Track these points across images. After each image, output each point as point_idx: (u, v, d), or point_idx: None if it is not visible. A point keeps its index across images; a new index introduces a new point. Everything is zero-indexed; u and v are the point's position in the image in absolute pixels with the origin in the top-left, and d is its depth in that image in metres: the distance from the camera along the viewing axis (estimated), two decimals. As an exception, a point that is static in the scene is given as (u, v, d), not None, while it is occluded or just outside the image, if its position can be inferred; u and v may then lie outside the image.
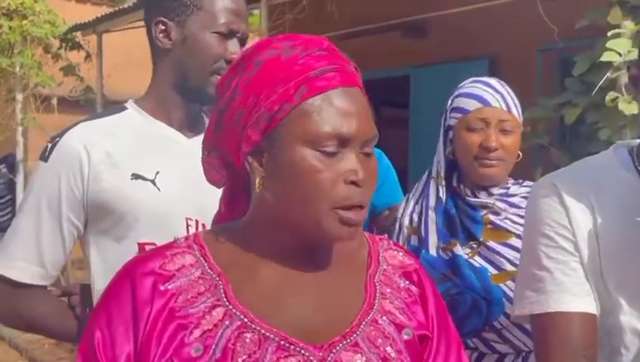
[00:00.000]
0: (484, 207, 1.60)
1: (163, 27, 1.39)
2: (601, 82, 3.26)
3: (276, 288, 0.90)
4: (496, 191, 1.61)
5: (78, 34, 7.23)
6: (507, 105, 1.57)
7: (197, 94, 1.39)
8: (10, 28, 6.64)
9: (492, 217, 1.59)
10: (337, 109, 0.85)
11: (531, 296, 1.11)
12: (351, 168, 0.86)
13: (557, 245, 1.10)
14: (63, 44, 7.08)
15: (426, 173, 1.69)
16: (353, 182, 0.86)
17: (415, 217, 1.65)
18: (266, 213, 0.91)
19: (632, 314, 1.06)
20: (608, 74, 3.21)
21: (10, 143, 7.39)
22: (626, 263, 1.06)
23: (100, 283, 1.35)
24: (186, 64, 1.39)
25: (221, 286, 0.89)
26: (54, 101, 6.93)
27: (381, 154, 2.28)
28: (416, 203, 1.67)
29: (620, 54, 3.11)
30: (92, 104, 7.29)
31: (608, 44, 3.16)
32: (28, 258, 1.34)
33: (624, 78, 3.07)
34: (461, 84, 1.65)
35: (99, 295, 1.32)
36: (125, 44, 6.29)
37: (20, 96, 7.08)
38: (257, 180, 0.89)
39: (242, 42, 1.41)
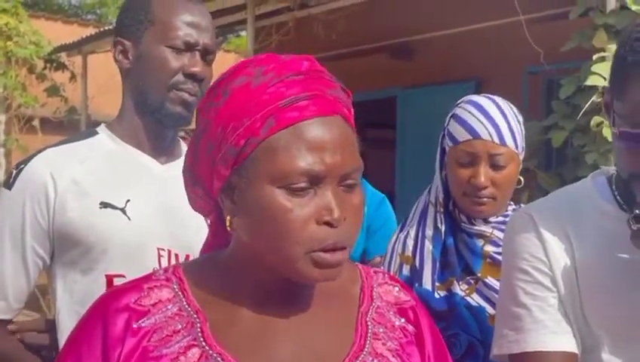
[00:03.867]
0: (482, 236, 1.48)
1: (121, 47, 1.35)
2: (586, 106, 3.25)
3: (257, 327, 0.84)
4: (493, 218, 1.49)
5: (63, 54, 7.18)
6: (500, 136, 1.42)
7: (157, 112, 1.33)
8: (-6, 49, 6.60)
9: (491, 250, 1.47)
10: (308, 143, 0.78)
11: (509, 335, 1.06)
12: (324, 206, 0.78)
13: (534, 280, 1.06)
14: (48, 65, 7.02)
15: (424, 196, 1.57)
16: (327, 223, 0.78)
17: (409, 245, 1.52)
18: (242, 250, 0.85)
19: (615, 352, 1.02)
20: (594, 97, 3.20)
21: (-8, 165, 7.30)
22: (607, 300, 1.02)
23: (65, 318, 1.29)
24: (144, 81, 1.33)
25: (198, 325, 0.82)
26: (36, 122, 6.86)
27: (384, 199, 2.18)
28: (412, 229, 1.54)
29: (605, 78, 3.10)
30: (76, 125, 7.22)
31: (593, 68, 3.17)
32: None
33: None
34: (460, 102, 1.50)
35: (64, 329, 1.28)
36: (110, 65, 6.22)
37: (2, 117, 7.01)
38: (228, 218, 0.83)
39: (205, 56, 1.35)
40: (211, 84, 0.86)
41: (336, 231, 0.78)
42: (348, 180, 0.80)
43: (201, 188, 0.88)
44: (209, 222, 0.94)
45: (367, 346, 0.85)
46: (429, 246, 1.50)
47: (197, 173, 0.87)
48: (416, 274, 1.49)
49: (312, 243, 0.78)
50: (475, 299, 1.46)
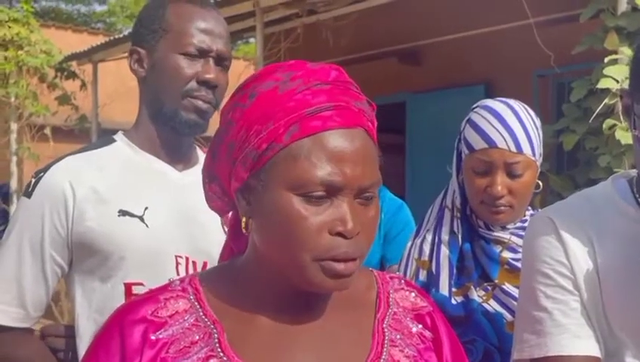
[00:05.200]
0: (499, 242, 1.47)
1: (136, 56, 1.36)
2: (598, 109, 3.24)
3: (274, 336, 0.84)
4: (511, 225, 1.48)
5: (74, 63, 7.24)
6: (517, 144, 1.39)
7: (172, 120, 1.33)
8: (5, 58, 6.64)
9: (509, 256, 1.45)
10: (329, 153, 0.78)
11: (530, 339, 1.06)
12: (339, 218, 0.78)
13: (555, 283, 1.05)
14: (59, 74, 7.07)
15: (439, 200, 1.56)
16: (339, 233, 0.78)
17: (426, 249, 1.50)
18: (257, 257, 0.86)
19: (639, 356, 1.01)
20: (606, 100, 3.18)
21: (4, 173, 7.35)
22: (630, 303, 1.01)
23: (83, 325, 1.30)
24: (158, 89, 1.34)
25: (216, 335, 0.83)
26: (47, 131, 6.90)
27: (402, 205, 2.15)
28: (429, 233, 1.52)
29: (617, 81, 3.09)
30: (87, 133, 7.27)
31: (605, 71, 3.15)
32: (7, 299, 1.29)
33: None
34: (475, 106, 1.48)
35: (83, 336, 1.29)
36: (120, 73, 6.28)
37: (14, 126, 7.05)
38: (243, 220, 0.84)
39: (220, 62, 1.35)
40: (238, 85, 0.86)
41: (347, 242, 0.79)
42: (365, 194, 0.80)
43: (219, 186, 0.88)
44: (226, 225, 0.95)
45: (384, 353, 0.85)
46: (445, 251, 1.48)
47: (216, 172, 0.87)
48: (432, 279, 1.48)
49: (321, 251, 0.78)
50: (493, 306, 1.45)
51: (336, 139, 0.78)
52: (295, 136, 0.78)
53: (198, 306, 0.85)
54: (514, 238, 1.47)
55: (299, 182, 0.77)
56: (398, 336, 0.88)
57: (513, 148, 1.39)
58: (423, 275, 1.50)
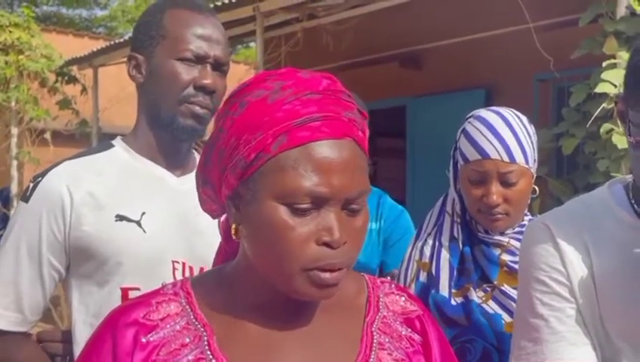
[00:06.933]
0: (499, 245, 1.50)
1: (135, 62, 1.37)
2: (596, 113, 3.24)
3: (263, 340, 0.86)
4: (510, 230, 1.51)
5: (74, 67, 7.25)
6: (509, 154, 1.41)
7: (170, 126, 1.34)
8: (6, 63, 6.65)
9: (508, 258, 1.48)
10: (316, 164, 0.78)
11: (527, 346, 1.06)
12: (326, 228, 0.79)
13: (551, 291, 1.05)
14: (59, 78, 7.08)
15: (439, 206, 1.59)
16: (326, 244, 0.79)
17: (426, 252, 1.54)
18: (247, 260, 0.87)
19: (637, 361, 1.01)
20: (604, 104, 3.19)
21: (4, 178, 7.36)
22: (626, 309, 1.01)
23: (80, 330, 1.30)
24: (156, 95, 1.34)
25: (205, 338, 0.84)
26: (47, 135, 6.91)
27: (403, 212, 2.16)
28: (430, 237, 1.56)
29: (615, 85, 3.09)
30: (87, 137, 7.28)
31: (603, 75, 3.15)
32: (4, 303, 1.30)
33: (619, 110, 3.05)
34: (469, 116, 1.50)
35: (80, 341, 1.29)
36: (121, 78, 6.28)
37: (15, 131, 7.06)
38: (233, 226, 0.85)
39: (218, 68, 1.35)
40: (230, 92, 0.86)
41: (334, 252, 0.79)
42: (353, 205, 0.80)
43: (212, 190, 0.89)
44: (222, 226, 0.95)
45: (372, 357, 0.86)
46: (446, 254, 1.51)
47: (207, 176, 0.88)
48: (432, 281, 1.51)
49: (308, 261, 0.79)
50: (492, 307, 1.47)
51: (324, 150, 0.78)
52: (283, 147, 0.78)
53: (189, 309, 0.87)
54: (513, 242, 1.50)
55: (286, 192, 0.78)
56: (387, 340, 0.89)
57: (506, 159, 1.41)
58: (423, 276, 1.53)
